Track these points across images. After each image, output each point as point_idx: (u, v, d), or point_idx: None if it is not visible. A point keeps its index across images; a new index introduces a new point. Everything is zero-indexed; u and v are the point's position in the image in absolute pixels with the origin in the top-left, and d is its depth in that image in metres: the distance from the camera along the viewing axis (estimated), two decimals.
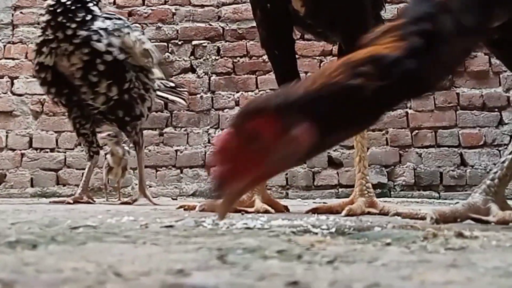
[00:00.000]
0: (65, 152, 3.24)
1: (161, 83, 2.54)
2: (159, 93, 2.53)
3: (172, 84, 2.65)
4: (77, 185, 3.16)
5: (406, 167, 3.24)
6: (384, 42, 0.88)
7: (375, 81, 0.83)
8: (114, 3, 3.44)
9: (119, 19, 2.29)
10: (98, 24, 2.14)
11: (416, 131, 3.29)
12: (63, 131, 3.23)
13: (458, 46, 0.91)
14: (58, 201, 2.39)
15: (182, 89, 2.73)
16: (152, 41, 3.36)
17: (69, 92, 2.25)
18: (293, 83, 0.88)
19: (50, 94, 2.27)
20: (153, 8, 3.44)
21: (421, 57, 0.86)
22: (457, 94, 3.32)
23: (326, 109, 0.83)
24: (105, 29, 2.15)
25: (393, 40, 0.87)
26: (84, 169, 3.18)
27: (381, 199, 3.05)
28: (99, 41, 2.11)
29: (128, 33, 2.19)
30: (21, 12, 3.40)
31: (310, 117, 0.83)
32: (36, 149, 3.24)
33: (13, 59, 3.34)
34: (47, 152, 3.22)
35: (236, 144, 0.82)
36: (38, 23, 3.36)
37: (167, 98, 2.66)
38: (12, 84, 3.32)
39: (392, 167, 3.25)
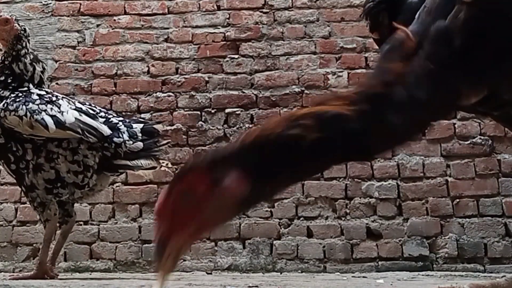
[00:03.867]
0: (98, 225, 3.20)
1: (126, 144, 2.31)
2: (120, 162, 2.34)
3: (140, 146, 2.35)
4: (111, 259, 3.15)
5: (448, 238, 3.12)
6: (332, 104, 0.87)
7: (313, 133, 0.83)
8: (148, 72, 3.47)
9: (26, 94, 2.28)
10: None
11: (457, 200, 3.18)
12: (97, 203, 3.21)
13: (409, 118, 0.89)
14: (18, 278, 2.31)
15: (157, 147, 2.41)
16: (185, 109, 3.38)
17: None
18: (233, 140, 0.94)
19: None
20: (186, 76, 3.45)
21: (366, 121, 0.85)
22: (498, 160, 3.22)
23: (259, 158, 0.84)
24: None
25: (342, 103, 0.87)
26: (117, 242, 3.18)
27: (423, 272, 2.95)
28: None
29: (16, 109, 2.18)
30: (57, 83, 3.44)
31: (241, 167, 0.83)
32: None
33: None
34: (80, 224, 3.18)
35: (171, 203, 0.84)
36: (74, 94, 3.42)
37: (127, 166, 2.37)
38: None
39: (434, 238, 3.14)
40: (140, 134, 2.36)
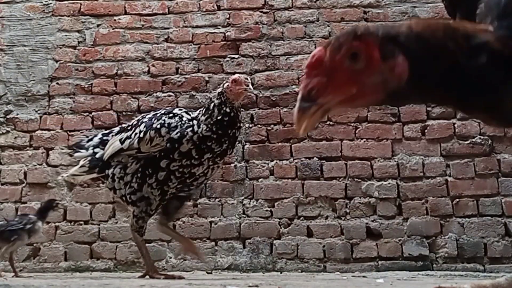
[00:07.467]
0: (99, 225, 3.20)
1: None
2: None
3: None
4: (111, 259, 3.15)
5: (448, 238, 3.13)
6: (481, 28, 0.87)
7: (462, 55, 0.83)
8: (148, 72, 3.47)
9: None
10: None
11: (457, 199, 3.18)
12: (97, 203, 3.21)
13: None
14: None
15: None
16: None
17: None
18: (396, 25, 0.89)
19: None
20: (186, 76, 3.45)
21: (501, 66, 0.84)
22: (498, 160, 3.22)
23: (420, 52, 0.83)
24: None
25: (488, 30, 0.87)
26: (118, 241, 3.18)
27: (423, 272, 2.95)
28: None
29: None
30: (57, 83, 3.44)
31: (408, 54, 0.83)
32: (70, 221, 3.22)
33: (48, 130, 3.37)
34: (81, 224, 3.19)
35: (335, 60, 0.83)
36: (74, 94, 3.42)
37: None
38: (48, 155, 3.34)
39: (433, 238, 3.14)
40: None
